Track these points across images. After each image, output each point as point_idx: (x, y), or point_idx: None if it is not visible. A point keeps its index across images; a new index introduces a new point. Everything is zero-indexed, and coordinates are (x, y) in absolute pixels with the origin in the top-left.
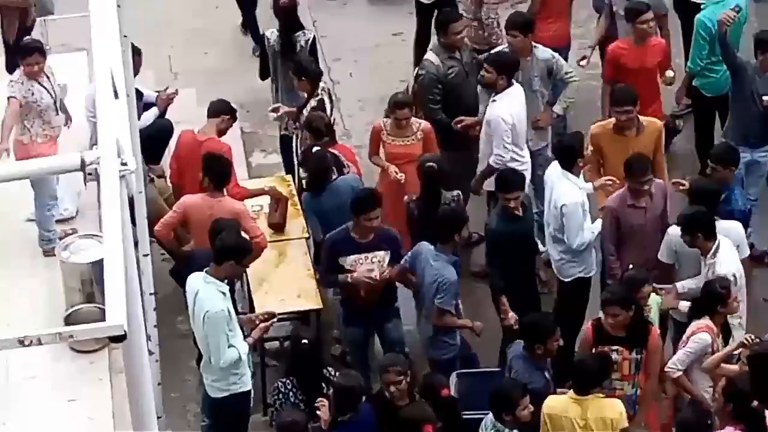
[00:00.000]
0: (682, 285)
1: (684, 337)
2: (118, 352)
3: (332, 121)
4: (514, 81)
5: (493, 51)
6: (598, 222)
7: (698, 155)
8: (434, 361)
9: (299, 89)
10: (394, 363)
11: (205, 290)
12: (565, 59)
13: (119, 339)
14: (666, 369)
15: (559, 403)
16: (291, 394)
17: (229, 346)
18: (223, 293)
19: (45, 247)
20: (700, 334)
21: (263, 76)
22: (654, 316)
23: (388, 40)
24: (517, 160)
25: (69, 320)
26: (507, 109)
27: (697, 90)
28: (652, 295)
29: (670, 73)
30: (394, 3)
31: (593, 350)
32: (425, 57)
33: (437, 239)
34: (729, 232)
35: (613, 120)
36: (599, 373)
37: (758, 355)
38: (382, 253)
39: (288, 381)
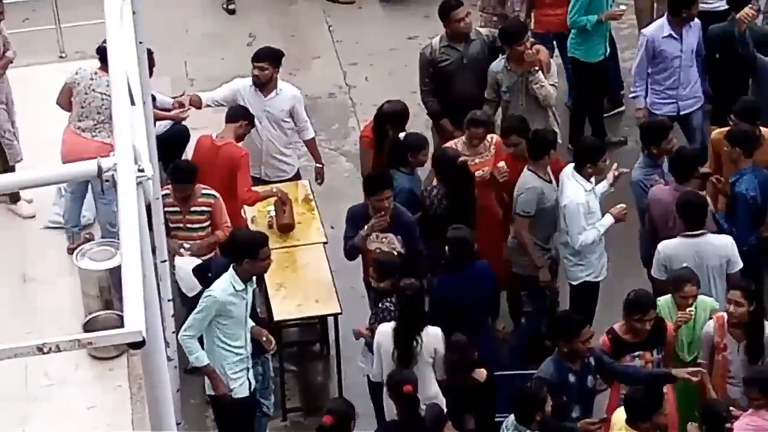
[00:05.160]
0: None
1: None
2: (137, 359)
3: None
4: None
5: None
6: (607, 217)
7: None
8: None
9: None
10: None
11: (221, 280)
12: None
13: (138, 345)
14: None
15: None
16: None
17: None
18: (235, 289)
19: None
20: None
21: None
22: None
23: (403, 43)
24: None
25: (87, 327)
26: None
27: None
28: (705, 298)
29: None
30: (408, 7)
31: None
32: (432, 38)
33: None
34: (717, 249)
35: None
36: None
37: None
38: (391, 235)
39: (390, 302)
